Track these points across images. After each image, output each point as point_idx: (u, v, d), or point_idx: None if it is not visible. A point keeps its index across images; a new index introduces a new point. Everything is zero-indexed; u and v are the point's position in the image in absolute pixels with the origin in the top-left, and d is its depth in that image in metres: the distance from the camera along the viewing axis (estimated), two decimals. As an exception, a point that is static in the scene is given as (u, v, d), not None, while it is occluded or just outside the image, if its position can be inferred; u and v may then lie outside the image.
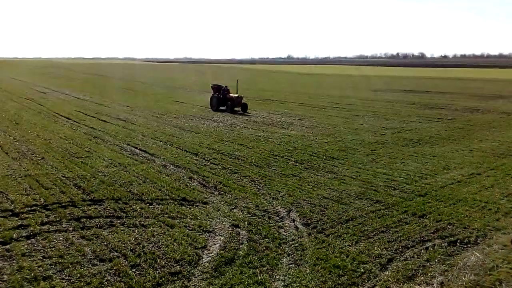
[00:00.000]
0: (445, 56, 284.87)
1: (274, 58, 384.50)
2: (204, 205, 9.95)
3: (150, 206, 9.75)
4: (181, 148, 16.00)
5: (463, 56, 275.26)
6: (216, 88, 28.15)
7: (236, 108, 26.85)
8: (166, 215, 9.23)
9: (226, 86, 28.08)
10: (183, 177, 12.24)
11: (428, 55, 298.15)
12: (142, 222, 8.80)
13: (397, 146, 16.86)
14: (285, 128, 20.99)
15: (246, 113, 26.23)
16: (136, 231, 8.38)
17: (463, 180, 12.18)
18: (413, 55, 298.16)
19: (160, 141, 17.22)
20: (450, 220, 9.13)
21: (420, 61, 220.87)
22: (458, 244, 8.04)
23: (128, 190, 10.84)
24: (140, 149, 15.66)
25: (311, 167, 13.50)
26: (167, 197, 10.44)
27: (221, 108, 27.24)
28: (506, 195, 10.84)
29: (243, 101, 27.09)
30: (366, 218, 9.21)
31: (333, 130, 20.34)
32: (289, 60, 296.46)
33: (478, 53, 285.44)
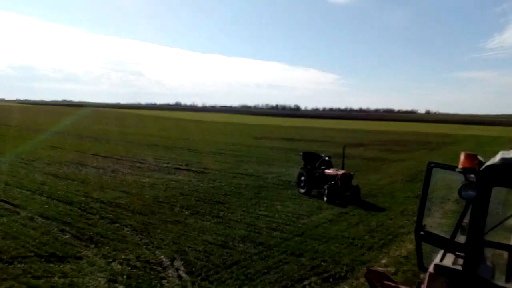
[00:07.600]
0: (316, 109, 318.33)
1: (161, 104, 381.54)
2: (76, 261, 9.01)
3: (10, 266, 8.46)
4: (53, 197, 14.44)
5: (331, 109, 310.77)
6: (308, 157, 18.12)
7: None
8: (29, 275, 8.09)
9: (330, 157, 17.78)
10: (53, 230, 10.98)
11: (302, 107, 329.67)
12: (-2, 286, 7.56)
13: (277, 189, 17.89)
14: (172, 174, 20.63)
15: (139, 161, 25.04)
16: (-11, 297, 7.16)
17: (334, 219, 13.43)
18: (290, 107, 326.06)
19: (28, 190, 15.30)
20: (324, 257, 9.88)
21: (296, 113, 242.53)
22: (331, 280, 8.69)
23: (-18, 248, 9.26)
24: (1, 200, 13.65)
25: (197, 213, 13.41)
26: (32, 254, 9.19)
27: (316, 189, 16.88)
28: (369, 231, 12.25)
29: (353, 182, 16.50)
30: (249, 261, 9.42)
31: (219, 175, 20.70)
32: (177, 107, 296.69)
33: (342, 107, 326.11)
